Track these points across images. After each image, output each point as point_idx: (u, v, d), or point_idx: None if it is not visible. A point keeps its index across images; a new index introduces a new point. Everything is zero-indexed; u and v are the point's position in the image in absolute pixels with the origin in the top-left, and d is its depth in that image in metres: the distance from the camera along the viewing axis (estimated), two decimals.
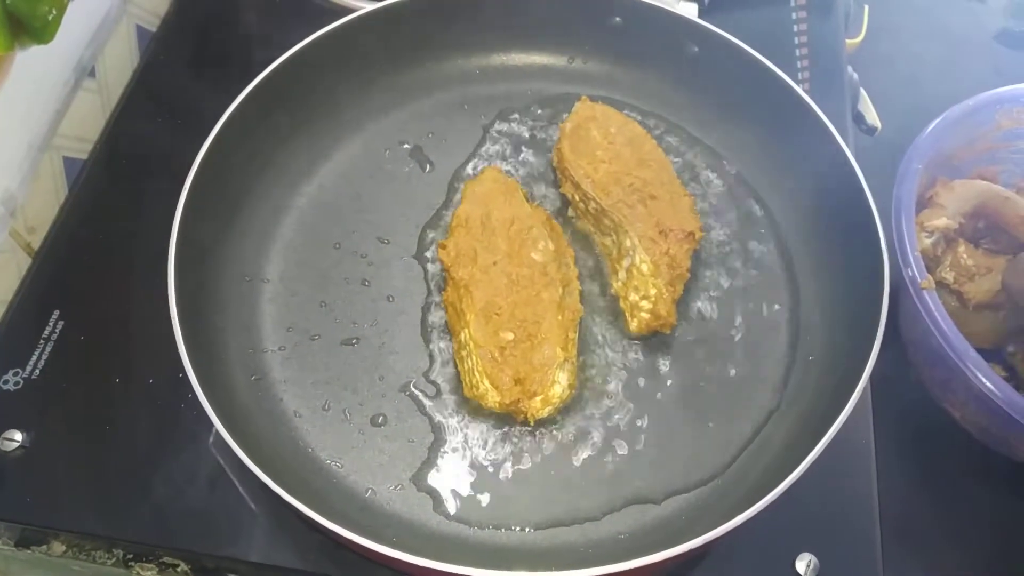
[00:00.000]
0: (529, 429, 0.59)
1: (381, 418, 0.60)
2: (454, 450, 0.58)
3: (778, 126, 0.69)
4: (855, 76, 0.83)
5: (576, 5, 0.74)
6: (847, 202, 0.63)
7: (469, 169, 0.71)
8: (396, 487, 0.57)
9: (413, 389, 0.61)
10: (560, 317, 0.59)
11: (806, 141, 0.67)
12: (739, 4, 0.83)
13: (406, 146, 0.72)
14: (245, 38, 0.82)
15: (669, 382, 0.61)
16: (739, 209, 0.70)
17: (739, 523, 0.49)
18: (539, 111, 0.74)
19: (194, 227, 0.60)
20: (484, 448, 0.58)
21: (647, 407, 0.60)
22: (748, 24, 0.76)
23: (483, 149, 0.72)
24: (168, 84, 0.78)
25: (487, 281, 0.60)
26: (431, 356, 0.62)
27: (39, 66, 0.66)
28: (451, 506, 0.56)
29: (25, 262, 0.68)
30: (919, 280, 0.62)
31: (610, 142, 0.67)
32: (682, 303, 0.64)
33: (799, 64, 0.79)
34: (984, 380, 0.59)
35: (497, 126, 0.74)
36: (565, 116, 0.70)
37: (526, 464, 0.58)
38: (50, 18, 0.62)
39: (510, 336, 0.58)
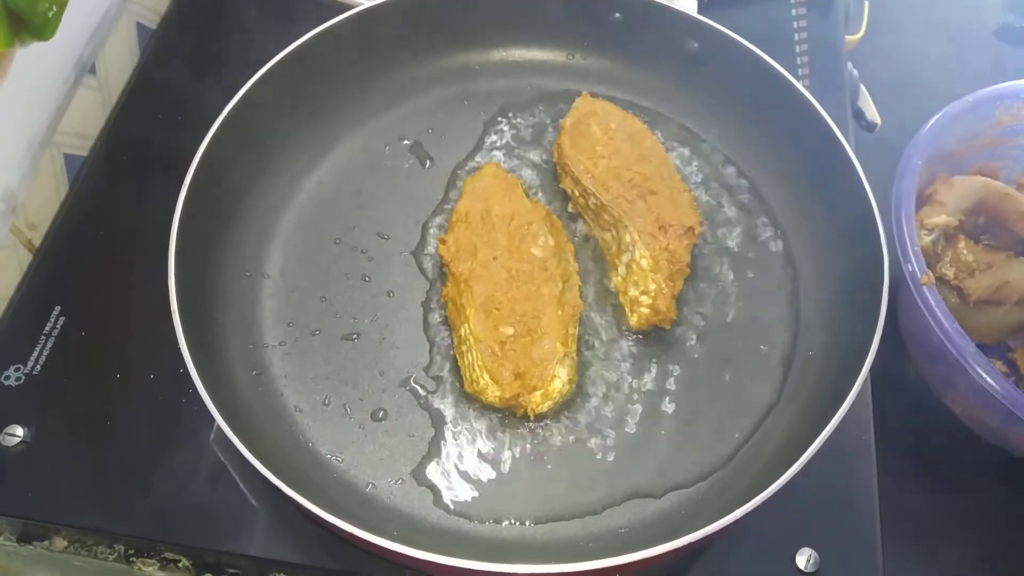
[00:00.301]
0: (529, 424, 0.59)
1: (381, 413, 0.60)
2: (454, 445, 0.58)
3: (778, 122, 0.69)
4: (855, 72, 0.83)
5: (576, 1, 0.74)
6: (847, 198, 0.63)
7: (469, 165, 0.71)
8: (396, 481, 0.57)
9: (413, 384, 0.61)
10: (560, 312, 0.59)
11: (806, 137, 0.67)
12: (739, 0, 0.83)
13: (406, 142, 0.72)
14: (245, 35, 0.81)
15: (668, 377, 0.62)
16: (738, 205, 0.70)
17: (739, 517, 0.49)
18: (539, 107, 0.74)
19: (194, 223, 0.60)
20: (484, 442, 0.59)
21: (646, 402, 0.60)
22: (748, 20, 0.76)
23: (483, 145, 0.72)
24: (168, 81, 0.78)
25: (487, 276, 0.60)
26: (431, 351, 0.62)
27: (39, 63, 0.66)
28: (451, 500, 0.56)
29: (26, 258, 0.68)
30: (919, 275, 0.62)
31: (610, 137, 0.67)
32: (681, 298, 0.64)
33: (799, 60, 0.79)
34: (984, 376, 0.59)
35: (497, 122, 0.74)
36: (565, 112, 0.70)
37: (526, 458, 0.58)
38: (50, 15, 0.62)
39: (510, 331, 0.58)
